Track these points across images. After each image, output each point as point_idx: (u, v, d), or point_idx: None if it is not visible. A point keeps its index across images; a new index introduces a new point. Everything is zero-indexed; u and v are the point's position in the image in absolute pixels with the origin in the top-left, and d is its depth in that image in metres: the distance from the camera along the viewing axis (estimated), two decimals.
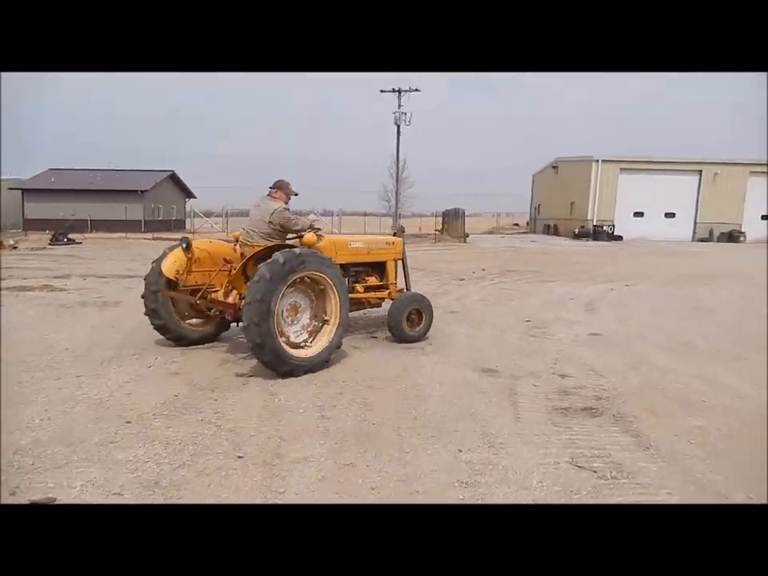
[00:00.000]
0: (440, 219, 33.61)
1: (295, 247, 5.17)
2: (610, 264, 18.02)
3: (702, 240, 33.28)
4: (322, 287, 5.33)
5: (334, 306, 5.35)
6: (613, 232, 32.73)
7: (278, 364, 4.81)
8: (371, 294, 6.67)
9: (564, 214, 38.70)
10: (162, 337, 5.94)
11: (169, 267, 5.69)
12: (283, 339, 4.95)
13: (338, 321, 5.34)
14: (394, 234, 7.25)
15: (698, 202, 34.03)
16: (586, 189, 34.98)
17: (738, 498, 3.00)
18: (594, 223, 33.69)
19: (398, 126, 35.10)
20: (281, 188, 5.87)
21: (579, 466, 3.31)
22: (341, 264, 5.92)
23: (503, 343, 6.48)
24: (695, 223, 34.11)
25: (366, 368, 5.28)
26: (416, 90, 34.43)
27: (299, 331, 5.27)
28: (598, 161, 34.33)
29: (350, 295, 5.98)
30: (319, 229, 6.00)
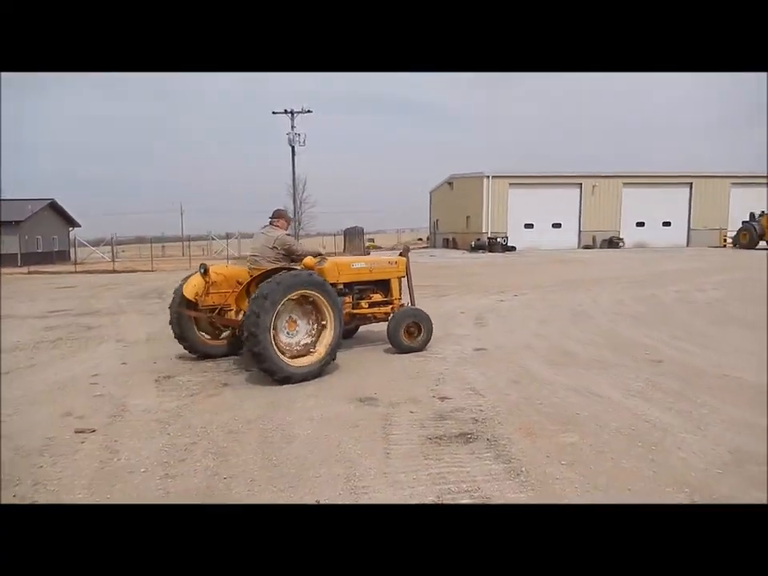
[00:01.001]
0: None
1: (294, 269, 5.84)
2: (503, 275, 18.55)
3: (587, 247, 35.41)
4: (318, 305, 5.86)
5: (328, 322, 5.87)
6: (506, 243, 34.04)
7: (273, 371, 5.41)
8: (375, 310, 7.22)
9: (461, 228, 39.87)
10: None
11: (189, 290, 6.44)
12: (286, 351, 5.62)
13: (332, 334, 5.84)
14: (400, 254, 7.64)
15: (580, 212, 36.24)
16: (479, 203, 36.23)
17: None
18: (489, 236, 34.90)
19: (293, 147, 34.72)
20: (281, 217, 6.56)
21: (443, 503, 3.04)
22: (344, 283, 6.79)
23: (387, 367, 6.22)
24: (580, 231, 36.27)
25: (229, 408, 4.80)
26: (308, 111, 34.28)
27: (302, 341, 5.85)
28: (488, 176, 35.70)
29: (355, 311, 6.96)
30: (320, 254, 6.69)
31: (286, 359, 5.53)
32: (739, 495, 3.10)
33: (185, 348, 6.66)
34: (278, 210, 6.68)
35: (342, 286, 6.76)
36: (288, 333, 5.76)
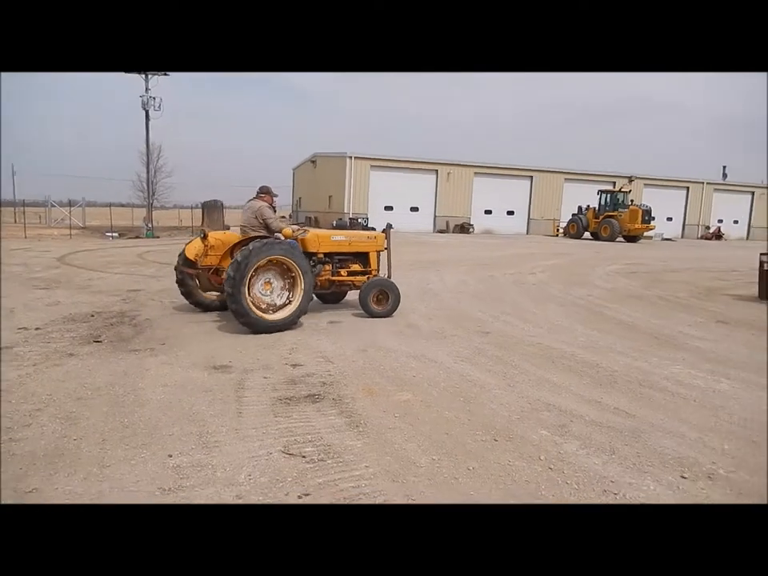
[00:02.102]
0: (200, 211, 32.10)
1: (268, 237, 6.98)
2: None
3: (441, 231, 37.55)
4: (290, 270, 6.91)
5: (299, 283, 6.92)
6: (367, 225, 34.99)
7: (250, 324, 6.54)
8: (353, 278, 8.17)
9: (323, 207, 40.17)
10: None
11: (190, 251, 7.61)
12: (262, 307, 6.72)
13: (302, 294, 6.92)
14: (382, 231, 8.54)
15: (436, 197, 38.28)
16: (342, 183, 36.73)
17: (424, 461, 3.40)
18: (350, 216, 35.60)
19: (147, 112, 32.43)
20: (267, 192, 7.58)
21: (290, 454, 3.42)
22: (324, 252, 7.86)
23: (243, 338, 6.42)
24: (435, 216, 38.33)
25: (76, 377, 4.74)
26: (164, 73, 32.15)
27: (276, 299, 6.92)
28: (351, 157, 36.26)
29: (334, 278, 8.02)
30: (297, 226, 7.96)
31: (260, 313, 6.62)
32: (528, 434, 3.85)
33: (190, 303, 7.87)
34: (264, 186, 7.64)
35: (322, 255, 7.87)
36: (263, 292, 6.81)
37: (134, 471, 3.13)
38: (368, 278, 8.20)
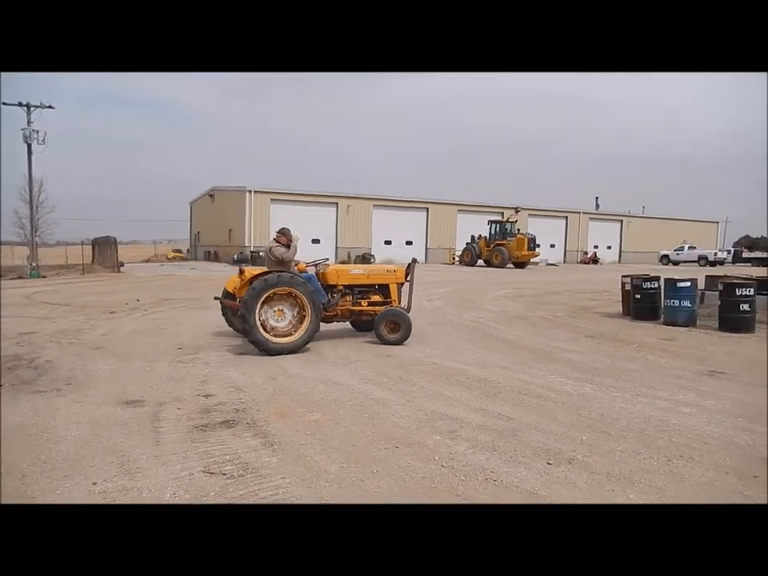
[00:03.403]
0: (90, 248, 30.62)
1: (284, 272, 7.92)
2: None
3: (343, 262, 38.29)
4: (299, 300, 7.81)
5: (307, 314, 7.80)
6: (371, 259, 35.13)
7: (258, 344, 7.52)
8: (372, 308, 8.84)
9: (223, 241, 39.66)
10: None
11: (229, 285, 8.92)
12: (271, 331, 7.69)
13: (309, 321, 7.81)
14: (408, 265, 9.18)
15: (337, 229, 39.10)
16: (242, 217, 36.58)
17: (333, 468, 3.84)
18: (252, 249, 35.44)
19: (29, 145, 30.68)
20: (284, 234, 8.45)
21: (211, 473, 3.72)
22: (344, 285, 8.72)
23: (151, 373, 6.53)
24: (336, 248, 39.07)
25: None
26: (49, 106, 30.71)
27: (286, 326, 7.84)
28: (251, 191, 36.30)
29: (354, 308, 8.80)
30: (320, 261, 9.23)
31: (268, 336, 7.59)
32: (424, 440, 4.40)
33: (233, 330, 9.02)
34: (282, 227, 8.60)
35: (342, 287, 8.71)
36: (277, 319, 7.79)
37: (60, 500, 3.30)
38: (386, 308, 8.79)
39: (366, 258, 38.56)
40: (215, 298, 9.41)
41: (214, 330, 9.81)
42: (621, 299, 12.45)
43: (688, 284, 10.55)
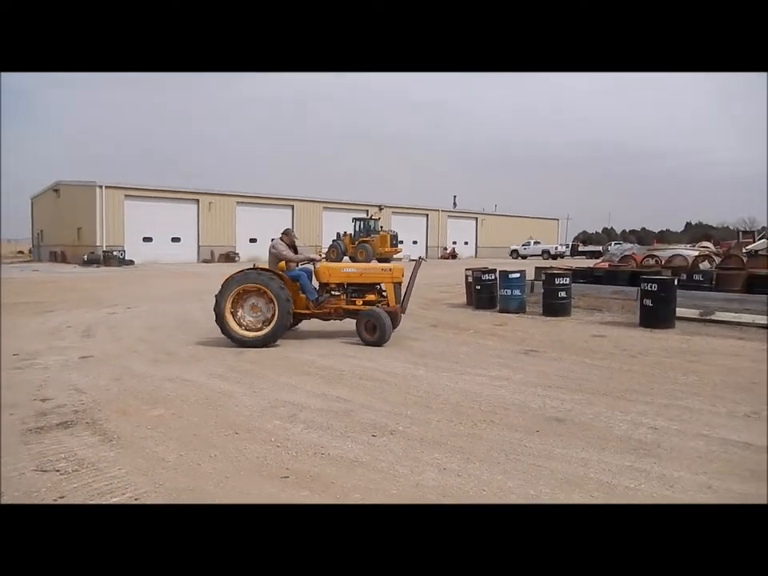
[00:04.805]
0: None
1: (264, 269, 8.32)
2: (119, 288, 18.38)
3: (206, 261, 37.17)
4: (269, 295, 8.02)
5: (275, 307, 8.00)
6: (124, 257, 33.03)
7: (231, 338, 8.09)
8: (365, 308, 8.48)
9: (71, 240, 36.64)
10: None
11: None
12: (244, 325, 8.17)
13: (276, 317, 8.00)
14: (416, 261, 9.29)
15: (198, 227, 37.81)
16: (92, 214, 34.09)
17: (172, 457, 4.05)
18: (104, 249, 33.21)
19: None
20: (286, 234, 8.94)
21: (44, 471, 3.77)
22: (336, 283, 8.69)
23: None
24: (198, 246, 37.79)
25: None
26: None
27: (259, 321, 8.21)
28: (101, 186, 33.94)
29: (350, 306, 8.61)
30: (312, 259, 9.05)
31: (238, 329, 8.09)
32: (264, 425, 4.75)
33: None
34: (286, 228, 9.26)
35: (334, 286, 8.70)
36: (251, 314, 8.20)
37: None
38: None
39: (230, 257, 37.75)
40: None
41: (55, 335, 9.34)
42: (465, 291, 13.64)
43: (518, 275, 11.87)
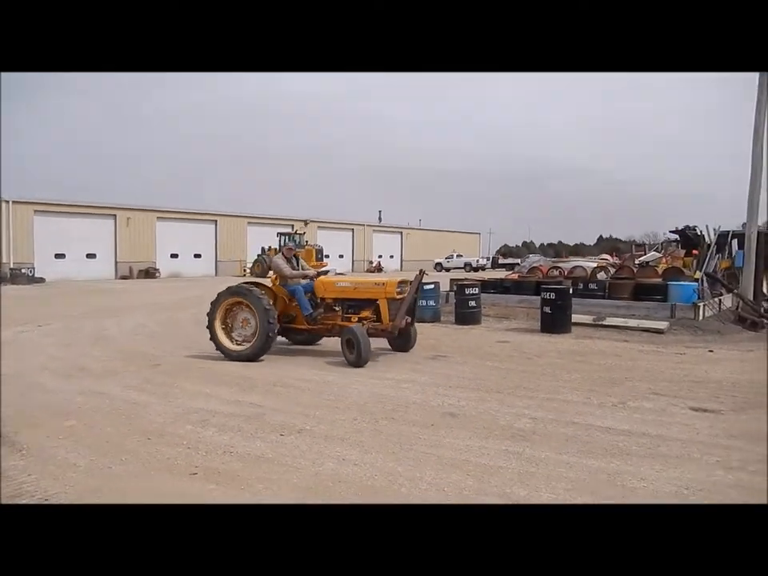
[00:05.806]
0: None
1: (254, 284, 8.61)
2: (29, 307, 17.60)
3: (124, 277, 35.91)
4: (253, 311, 8.07)
5: (259, 323, 7.99)
6: (33, 274, 31.40)
7: (220, 350, 8.25)
8: (349, 324, 8.07)
9: None
10: None
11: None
12: (235, 339, 8.36)
13: (258, 332, 8.00)
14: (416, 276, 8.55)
15: (115, 242, 36.54)
16: None
17: (83, 462, 4.22)
18: (11, 266, 31.44)
19: None
20: (289, 249, 9.18)
21: None
22: (332, 298, 8.51)
23: None
24: (116, 262, 36.48)
25: None
26: None
27: (248, 335, 8.24)
28: (9, 201, 32.17)
29: (345, 323, 8.21)
30: (306, 275, 8.90)
31: (227, 343, 8.26)
32: (176, 431, 4.97)
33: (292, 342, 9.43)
34: (288, 243, 9.65)
35: (331, 301, 8.52)
36: (243, 327, 8.32)
37: None
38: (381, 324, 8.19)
39: (150, 273, 36.70)
40: None
41: None
42: None
43: (432, 287, 12.52)
